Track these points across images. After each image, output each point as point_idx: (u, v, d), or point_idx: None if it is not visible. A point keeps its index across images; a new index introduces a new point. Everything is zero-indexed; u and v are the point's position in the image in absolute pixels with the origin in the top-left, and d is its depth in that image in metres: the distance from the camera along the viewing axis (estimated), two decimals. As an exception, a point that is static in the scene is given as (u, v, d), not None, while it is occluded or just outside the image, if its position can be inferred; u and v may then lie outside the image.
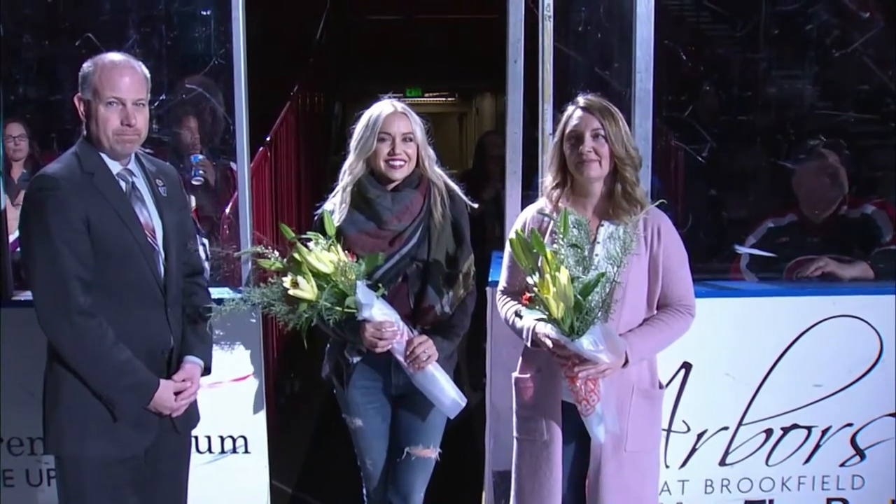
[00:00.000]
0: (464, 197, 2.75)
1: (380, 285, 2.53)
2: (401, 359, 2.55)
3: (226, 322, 2.98)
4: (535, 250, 2.34)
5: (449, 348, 2.63)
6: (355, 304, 2.45)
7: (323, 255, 2.45)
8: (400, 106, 2.65)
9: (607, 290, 2.33)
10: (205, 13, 3.58)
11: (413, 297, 2.64)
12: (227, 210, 3.77)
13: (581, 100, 2.54)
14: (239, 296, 2.61)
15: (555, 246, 2.35)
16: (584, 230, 2.38)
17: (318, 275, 2.45)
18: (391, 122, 2.61)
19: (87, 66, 2.36)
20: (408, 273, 2.63)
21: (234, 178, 3.43)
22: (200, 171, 3.60)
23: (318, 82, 8.27)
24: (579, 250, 2.35)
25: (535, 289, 2.30)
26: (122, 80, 2.32)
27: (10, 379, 2.94)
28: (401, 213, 2.63)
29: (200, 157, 3.65)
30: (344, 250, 2.52)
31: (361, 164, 2.65)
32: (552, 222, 2.51)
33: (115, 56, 2.37)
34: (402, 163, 2.62)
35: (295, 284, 2.45)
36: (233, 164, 3.37)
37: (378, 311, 2.49)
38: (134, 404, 2.36)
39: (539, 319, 2.35)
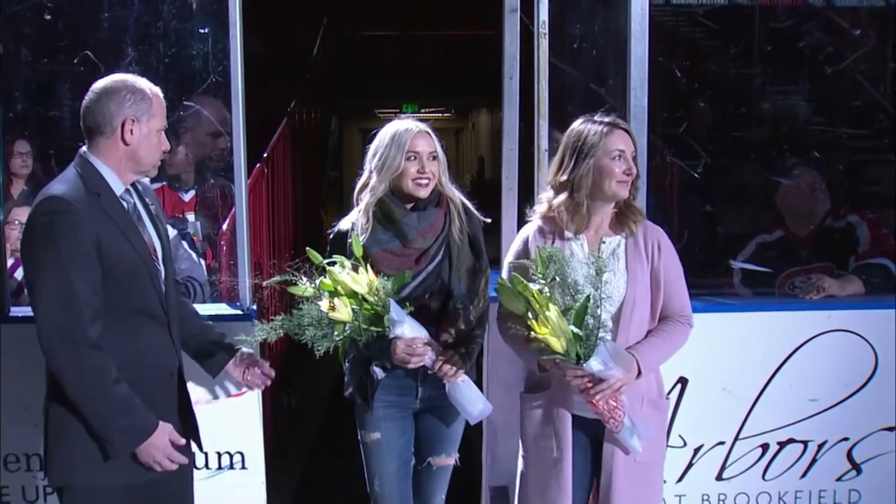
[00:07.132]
0: (476, 213, 2.76)
1: (407, 303, 2.54)
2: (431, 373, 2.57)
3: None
4: (521, 293, 2.36)
5: (471, 360, 2.66)
6: (389, 321, 2.45)
7: (356, 276, 2.45)
8: (422, 125, 2.66)
9: (598, 309, 2.36)
10: (202, 31, 3.60)
11: (436, 313, 2.65)
12: (224, 226, 3.78)
13: (614, 119, 2.57)
14: (273, 324, 2.55)
15: (535, 287, 2.36)
16: (559, 261, 2.39)
17: (351, 296, 2.45)
18: (418, 141, 2.62)
19: (138, 89, 2.33)
20: (432, 290, 2.65)
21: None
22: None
23: (315, 98, 8.30)
24: (559, 281, 2.37)
25: (533, 332, 2.33)
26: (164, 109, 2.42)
27: (7, 395, 2.93)
28: (426, 231, 2.65)
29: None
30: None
31: (384, 184, 2.64)
32: (554, 236, 2.57)
33: (151, 84, 2.40)
34: (428, 181, 2.63)
35: (332, 308, 2.43)
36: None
37: (408, 329, 2.49)
38: (129, 444, 2.29)
39: (546, 358, 2.39)
